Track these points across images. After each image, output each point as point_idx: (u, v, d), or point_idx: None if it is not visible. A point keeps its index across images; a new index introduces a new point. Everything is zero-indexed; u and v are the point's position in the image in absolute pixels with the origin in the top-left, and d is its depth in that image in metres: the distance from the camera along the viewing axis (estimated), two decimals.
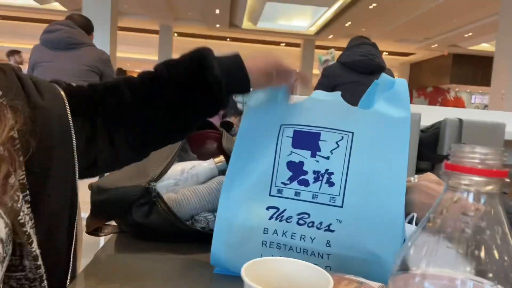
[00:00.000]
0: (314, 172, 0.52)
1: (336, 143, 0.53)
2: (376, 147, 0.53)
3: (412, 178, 0.68)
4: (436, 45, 12.19)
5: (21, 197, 0.37)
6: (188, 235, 0.56)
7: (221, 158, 0.76)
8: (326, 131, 0.54)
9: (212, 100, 0.53)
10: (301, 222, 0.52)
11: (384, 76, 0.58)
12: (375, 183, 0.51)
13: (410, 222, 0.52)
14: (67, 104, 0.46)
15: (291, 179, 0.53)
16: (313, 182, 0.52)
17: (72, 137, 0.44)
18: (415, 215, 0.54)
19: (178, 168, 0.76)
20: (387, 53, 13.93)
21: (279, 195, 0.53)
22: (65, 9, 10.67)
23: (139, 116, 0.50)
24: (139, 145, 0.52)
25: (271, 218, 0.53)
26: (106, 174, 0.82)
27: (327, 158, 0.52)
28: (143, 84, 0.51)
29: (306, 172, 0.52)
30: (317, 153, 0.53)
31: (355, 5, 8.81)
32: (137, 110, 0.50)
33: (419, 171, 2.48)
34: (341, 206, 0.50)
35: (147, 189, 0.68)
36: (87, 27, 2.37)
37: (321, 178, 0.52)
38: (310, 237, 0.52)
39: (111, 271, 0.52)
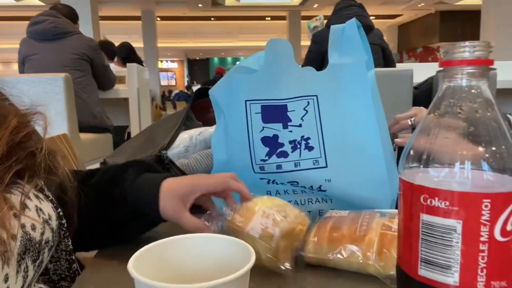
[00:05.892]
0: (290, 142, 0.52)
1: (304, 109, 0.53)
2: (341, 99, 0.53)
3: (409, 120, 0.72)
4: (422, 4, 12.03)
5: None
6: None
7: None
8: (291, 101, 0.54)
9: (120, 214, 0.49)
10: (293, 188, 0.54)
11: (332, 28, 0.56)
12: (350, 132, 0.52)
13: None
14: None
15: (269, 154, 0.53)
16: (292, 152, 0.52)
17: None
18: None
19: (186, 135, 0.79)
20: (373, 17, 13.72)
21: (262, 171, 0.53)
22: (43, 4, 10.39)
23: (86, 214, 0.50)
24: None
25: (265, 182, 0.54)
26: (116, 149, 0.85)
27: (300, 125, 0.53)
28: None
29: (282, 144, 0.53)
30: (289, 123, 0.53)
31: None
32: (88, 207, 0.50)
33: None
34: (326, 166, 0.51)
35: (159, 157, 0.71)
36: (72, 15, 2.34)
37: (299, 146, 0.52)
38: (306, 199, 0.54)
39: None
